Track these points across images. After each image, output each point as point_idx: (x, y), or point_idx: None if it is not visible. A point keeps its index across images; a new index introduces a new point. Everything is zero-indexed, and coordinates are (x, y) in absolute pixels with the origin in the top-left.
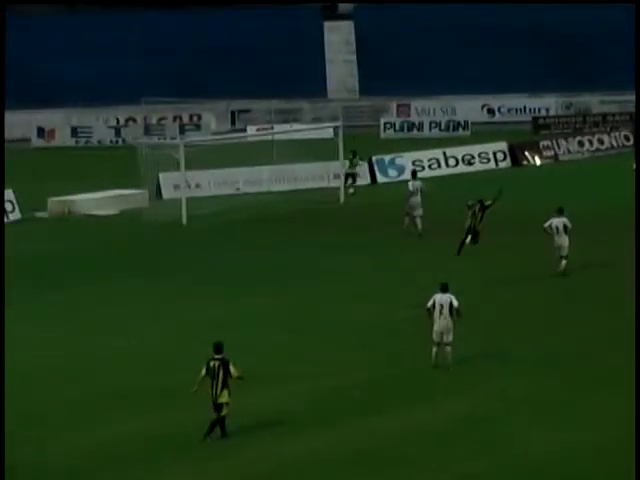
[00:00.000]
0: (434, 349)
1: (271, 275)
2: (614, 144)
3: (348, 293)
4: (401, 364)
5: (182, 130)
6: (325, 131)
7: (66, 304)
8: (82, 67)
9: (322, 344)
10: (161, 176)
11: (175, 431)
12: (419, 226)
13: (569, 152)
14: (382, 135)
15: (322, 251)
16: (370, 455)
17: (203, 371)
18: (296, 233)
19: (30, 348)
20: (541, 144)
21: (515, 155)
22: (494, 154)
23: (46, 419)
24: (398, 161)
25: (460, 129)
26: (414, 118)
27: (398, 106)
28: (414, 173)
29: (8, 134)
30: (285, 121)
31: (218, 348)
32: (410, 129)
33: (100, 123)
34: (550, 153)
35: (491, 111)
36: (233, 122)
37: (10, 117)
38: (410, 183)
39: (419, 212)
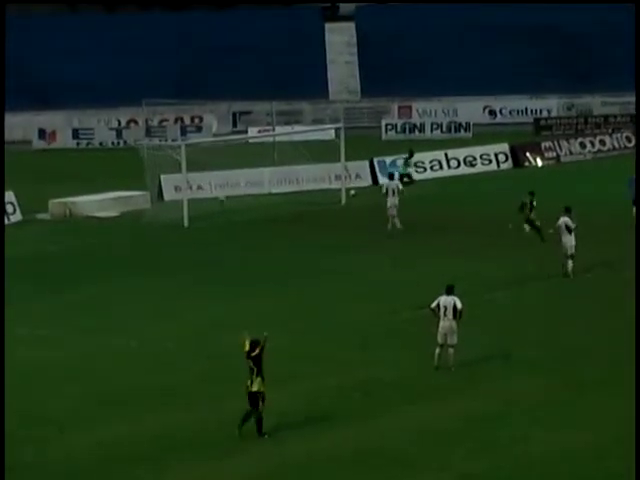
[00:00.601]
0: (437, 350)
1: (272, 275)
2: (615, 145)
3: (349, 293)
4: (402, 364)
5: (183, 132)
6: (326, 132)
7: (67, 304)
8: (83, 68)
9: (323, 344)
10: (162, 178)
11: (175, 431)
12: (389, 226)
13: (571, 153)
14: (383, 137)
15: (323, 252)
16: (371, 455)
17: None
18: (297, 234)
19: (30, 348)
20: (543, 145)
21: (517, 156)
22: (496, 155)
23: (46, 419)
24: (399, 162)
25: (462, 130)
26: (415, 119)
27: (399, 107)
28: (391, 175)
29: (9, 136)
30: (286, 122)
31: (254, 344)
32: (411, 130)
33: (101, 125)
34: (552, 154)
35: (493, 112)
36: (234, 124)
37: (11, 119)
38: (385, 185)
39: (393, 212)
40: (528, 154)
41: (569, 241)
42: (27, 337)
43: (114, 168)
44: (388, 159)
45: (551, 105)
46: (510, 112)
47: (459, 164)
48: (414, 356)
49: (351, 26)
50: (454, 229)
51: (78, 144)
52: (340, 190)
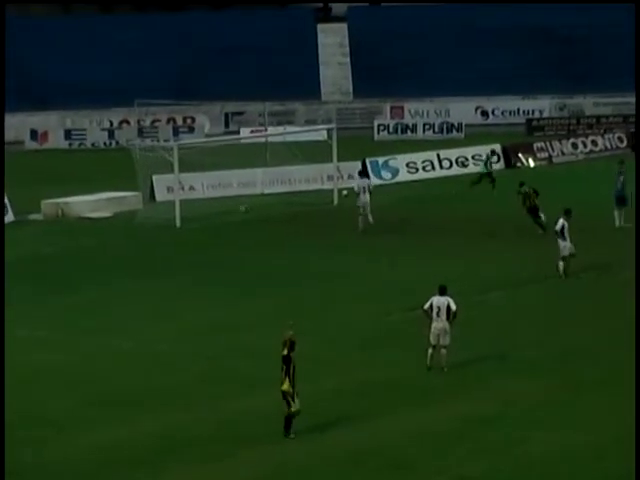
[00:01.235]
0: (429, 351)
1: (266, 277)
2: (608, 146)
3: (344, 294)
4: (400, 366)
5: (176, 132)
6: (319, 133)
7: (64, 306)
8: (75, 69)
9: (319, 345)
10: (155, 178)
11: (174, 432)
12: (360, 224)
13: (563, 154)
14: (376, 137)
15: (316, 252)
16: (369, 457)
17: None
18: (290, 235)
19: (29, 349)
20: (535, 146)
21: (509, 157)
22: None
23: (45, 420)
24: (392, 163)
25: (454, 131)
26: (408, 120)
27: (392, 108)
28: (362, 172)
29: None
30: (279, 123)
31: (292, 344)
32: (404, 131)
33: (94, 125)
34: (544, 155)
35: (485, 113)
36: (227, 124)
37: None
38: (355, 183)
39: (365, 210)
40: (520, 155)
41: (568, 242)
42: (25, 339)
43: (106, 169)
44: (380, 159)
45: (543, 106)
46: (502, 113)
47: (451, 165)
48: (411, 357)
49: (343, 27)
50: (448, 229)
51: (70, 145)
52: (332, 191)
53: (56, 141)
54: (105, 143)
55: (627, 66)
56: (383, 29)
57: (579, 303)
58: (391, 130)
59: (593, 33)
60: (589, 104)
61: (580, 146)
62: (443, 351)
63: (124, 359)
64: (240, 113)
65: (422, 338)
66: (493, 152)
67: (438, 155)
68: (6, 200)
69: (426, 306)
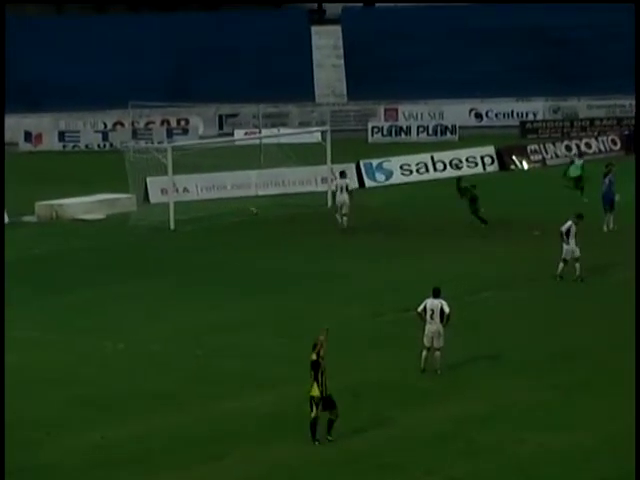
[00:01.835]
0: (424, 353)
1: (260, 279)
2: (601, 148)
3: (335, 296)
4: (389, 367)
5: (170, 134)
6: (313, 135)
7: (58, 307)
8: (69, 71)
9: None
10: (149, 180)
11: (165, 433)
12: (344, 223)
13: (557, 156)
14: (370, 139)
15: (309, 255)
16: (359, 458)
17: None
18: (284, 237)
19: (21, 350)
20: (529, 148)
21: (503, 159)
22: (482, 158)
23: (37, 422)
24: (386, 165)
25: (448, 133)
26: (402, 122)
27: (386, 110)
28: (342, 173)
29: None
30: (273, 125)
31: (314, 345)
32: (398, 133)
33: (87, 127)
34: (538, 157)
35: (479, 115)
36: (221, 126)
37: None
38: (335, 182)
39: (344, 210)
40: (514, 157)
41: (572, 245)
42: (19, 339)
43: (100, 171)
44: (374, 162)
45: (537, 108)
46: (496, 115)
47: (445, 167)
48: (401, 359)
49: (337, 29)
50: (442, 231)
51: (64, 147)
52: (326, 193)
53: (50, 143)
54: (99, 145)
55: (621, 68)
56: (377, 31)
57: (572, 304)
58: (385, 132)
59: (587, 35)
60: (583, 107)
61: (574, 148)
62: (437, 354)
63: (117, 360)
64: (234, 115)
65: (416, 339)
66: (579, 153)
67: (432, 157)
68: None
69: (420, 309)
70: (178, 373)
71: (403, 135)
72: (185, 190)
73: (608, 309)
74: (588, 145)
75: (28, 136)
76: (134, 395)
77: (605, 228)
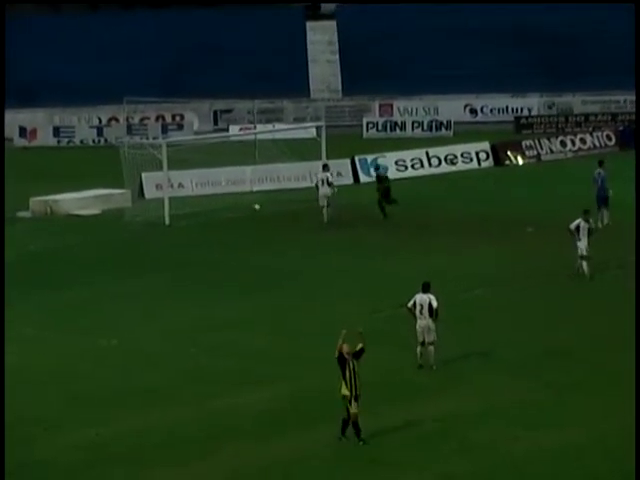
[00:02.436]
0: (418, 349)
1: (254, 275)
2: (596, 144)
3: (330, 292)
4: (385, 364)
5: (164, 130)
6: (308, 131)
7: (52, 304)
8: (64, 67)
9: (306, 345)
10: (143, 176)
11: (159, 431)
12: (325, 217)
13: (551, 152)
14: (365, 135)
15: (304, 250)
16: (353, 455)
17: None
18: (279, 233)
19: (16, 348)
20: (523, 144)
21: (498, 155)
22: (477, 154)
23: (35, 418)
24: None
25: (443, 129)
26: (397, 118)
27: (381, 106)
28: (324, 166)
29: None
30: (268, 121)
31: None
32: (393, 129)
33: (82, 123)
34: (532, 153)
35: (474, 111)
36: (216, 122)
37: None
38: (319, 175)
39: (324, 202)
40: (509, 152)
41: (583, 243)
42: (13, 337)
43: (95, 166)
44: (369, 157)
45: (532, 104)
46: (491, 110)
47: (440, 162)
48: (397, 355)
49: (332, 25)
50: (436, 227)
51: (59, 142)
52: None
53: (45, 138)
54: (94, 140)
55: (616, 64)
56: (372, 27)
57: (567, 301)
58: (380, 128)
59: (582, 31)
60: (578, 102)
61: (569, 144)
62: (431, 348)
63: (112, 357)
64: (229, 111)
65: (411, 336)
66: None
67: (427, 153)
68: None
69: (410, 304)
70: (174, 370)
71: (398, 130)
72: (180, 185)
73: (603, 307)
74: (583, 141)
75: (23, 131)
76: (129, 392)
77: (600, 224)
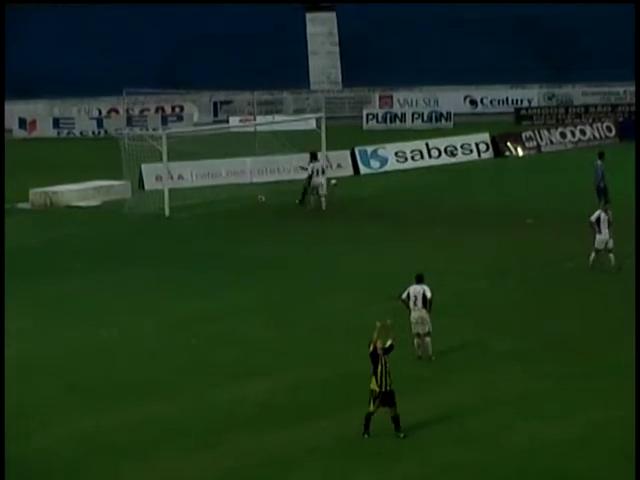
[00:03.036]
0: (415, 340)
1: (254, 267)
2: (596, 135)
3: (331, 284)
4: None
5: (164, 121)
6: (308, 122)
7: (49, 296)
8: (64, 58)
9: (306, 336)
10: (143, 167)
11: (158, 423)
12: (323, 205)
13: (551, 143)
14: (365, 126)
15: (305, 242)
16: (354, 446)
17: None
18: (279, 224)
19: (13, 340)
20: (523, 135)
21: (497, 146)
22: (477, 145)
23: (33, 410)
24: (381, 152)
25: (443, 120)
26: (397, 109)
27: (381, 97)
28: (314, 155)
29: None
30: (267, 112)
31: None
32: (393, 120)
33: (82, 114)
34: (532, 144)
35: (474, 102)
36: (215, 113)
37: None
38: (310, 165)
39: (322, 192)
40: (509, 144)
41: (605, 235)
42: (11, 328)
43: (95, 158)
44: (369, 148)
45: (532, 95)
46: (491, 102)
47: (440, 154)
48: (397, 348)
49: (332, 16)
50: (436, 218)
51: (59, 133)
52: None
53: (44, 130)
54: (94, 132)
55: (616, 55)
56: (372, 18)
57: (565, 293)
58: (380, 119)
59: (582, 22)
60: (578, 93)
61: (569, 135)
62: (427, 339)
63: (111, 349)
64: (229, 102)
65: (406, 327)
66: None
67: (427, 144)
68: None
69: (404, 295)
70: (174, 362)
71: (398, 122)
72: (180, 177)
73: (602, 298)
74: (583, 132)
75: (22, 123)
76: (129, 383)
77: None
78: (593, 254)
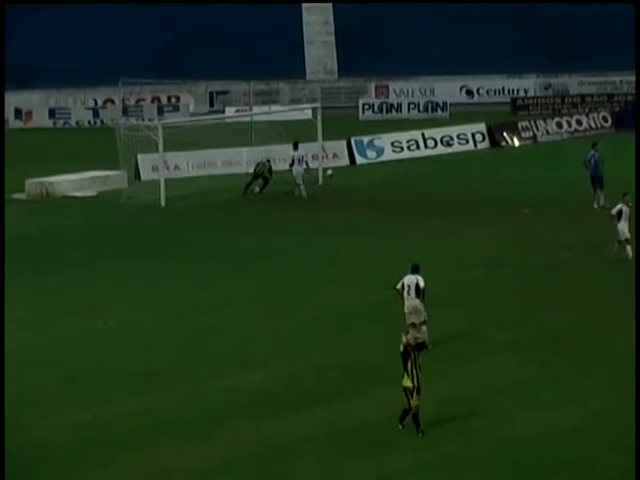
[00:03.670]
0: (410, 331)
1: (250, 257)
2: (592, 125)
3: (327, 274)
4: (382, 346)
5: (160, 111)
6: (304, 112)
7: (46, 286)
8: (60, 48)
9: (303, 326)
10: (139, 157)
11: (156, 412)
12: (303, 193)
13: (548, 133)
14: (361, 116)
15: (301, 232)
16: (351, 436)
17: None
18: (275, 214)
19: (11, 330)
20: (520, 125)
21: (494, 136)
22: (473, 135)
23: (31, 400)
24: (377, 142)
25: (439, 110)
26: (393, 99)
27: (377, 87)
28: (295, 145)
29: None
30: (264, 102)
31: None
32: (389, 110)
33: (78, 104)
34: (529, 134)
35: (470, 92)
36: (211, 103)
37: None
38: (291, 154)
39: (300, 180)
40: (505, 134)
41: (624, 226)
42: (9, 319)
43: (91, 148)
44: (365, 139)
45: (528, 85)
46: (487, 92)
47: (436, 144)
48: (394, 337)
49: (328, 6)
50: (432, 209)
51: (55, 124)
52: (317, 170)
53: (40, 120)
54: (89, 122)
55: (612, 45)
56: (368, 8)
57: (562, 282)
58: (376, 109)
59: (578, 12)
60: (574, 83)
61: (565, 125)
62: (423, 328)
63: (107, 339)
64: (225, 92)
65: (404, 317)
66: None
67: (423, 134)
68: None
69: (398, 285)
70: (171, 351)
71: (394, 112)
72: (176, 167)
73: (598, 288)
74: (579, 122)
75: (18, 113)
76: (126, 373)
77: (595, 205)
78: (616, 245)
